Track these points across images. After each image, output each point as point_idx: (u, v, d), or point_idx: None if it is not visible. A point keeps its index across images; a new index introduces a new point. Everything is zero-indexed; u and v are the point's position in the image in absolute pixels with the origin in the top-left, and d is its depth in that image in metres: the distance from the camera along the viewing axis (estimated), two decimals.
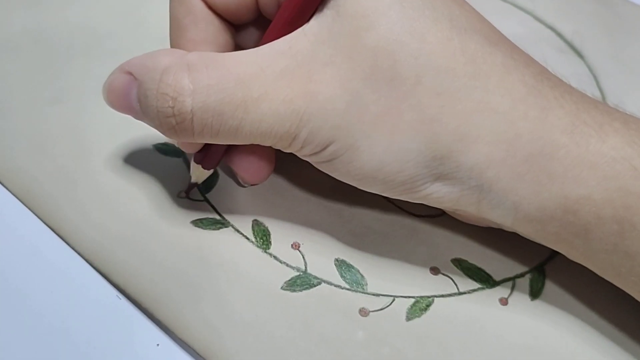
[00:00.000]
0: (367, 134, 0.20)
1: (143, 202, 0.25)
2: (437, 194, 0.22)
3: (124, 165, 0.26)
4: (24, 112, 0.28)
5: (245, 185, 0.26)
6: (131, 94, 0.21)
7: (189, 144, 0.23)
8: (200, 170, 0.24)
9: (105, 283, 0.23)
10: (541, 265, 0.25)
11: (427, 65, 0.20)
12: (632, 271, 0.21)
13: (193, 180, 0.25)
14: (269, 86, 0.20)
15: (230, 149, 0.24)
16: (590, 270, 0.24)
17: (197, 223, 0.25)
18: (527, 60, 0.22)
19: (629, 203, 0.20)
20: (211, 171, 0.24)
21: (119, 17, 0.32)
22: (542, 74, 0.22)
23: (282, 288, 0.23)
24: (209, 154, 0.24)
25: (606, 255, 0.21)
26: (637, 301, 0.23)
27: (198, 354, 0.22)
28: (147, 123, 0.22)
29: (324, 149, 0.21)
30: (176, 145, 0.24)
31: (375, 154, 0.21)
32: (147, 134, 0.27)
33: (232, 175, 0.26)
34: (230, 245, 0.24)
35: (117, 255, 0.24)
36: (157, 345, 0.22)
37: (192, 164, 0.24)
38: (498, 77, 0.20)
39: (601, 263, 0.22)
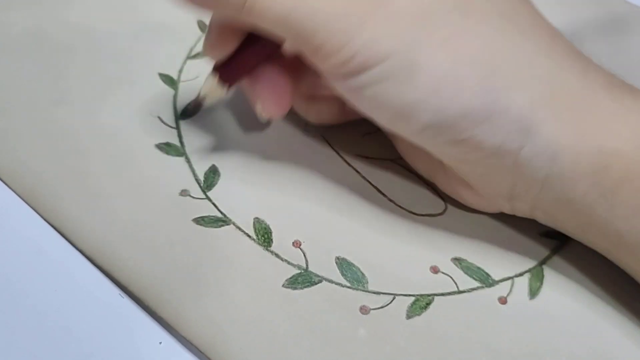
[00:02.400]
0: (432, 53, 0.20)
1: (145, 200, 0.25)
2: (481, 136, 0.21)
3: (126, 164, 0.26)
4: (27, 112, 0.28)
5: (263, 119, 0.24)
6: None
7: (216, 48, 0.22)
8: (214, 85, 0.23)
9: (108, 282, 0.23)
10: (540, 265, 0.25)
11: (494, 8, 0.21)
12: None
13: (202, 94, 0.23)
14: None
15: (252, 75, 0.23)
16: (588, 271, 0.25)
17: (199, 221, 0.25)
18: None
19: None
20: (222, 93, 0.23)
21: (121, 17, 0.32)
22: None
23: (283, 286, 0.23)
24: (231, 66, 0.22)
25: (630, 220, 0.21)
26: (634, 300, 0.24)
27: (200, 351, 0.22)
28: None
29: (379, 63, 0.20)
30: (202, 54, 0.23)
31: (434, 76, 0.20)
32: (149, 134, 0.27)
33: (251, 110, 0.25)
34: (232, 243, 0.24)
35: (119, 253, 0.24)
36: (160, 343, 0.22)
37: (208, 77, 0.23)
38: (550, 35, 0.22)
39: (622, 231, 0.21)
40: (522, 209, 0.24)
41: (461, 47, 0.21)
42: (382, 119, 0.22)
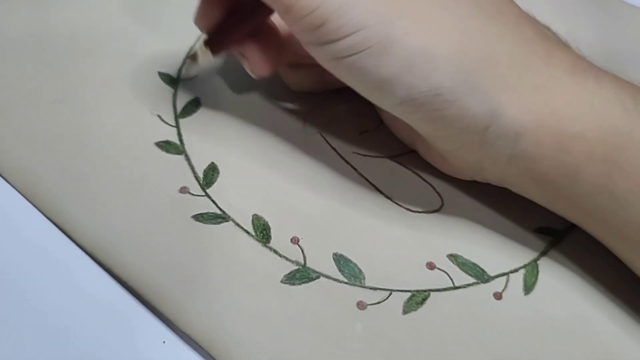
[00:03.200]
0: (405, 29, 0.21)
1: (145, 197, 0.25)
2: (451, 116, 0.22)
3: (126, 162, 0.27)
4: (28, 111, 0.28)
5: (256, 75, 0.26)
6: None
7: (204, 18, 0.25)
8: (207, 54, 0.26)
9: (111, 281, 0.24)
10: (535, 261, 0.25)
11: None
12: (616, 214, 0.22)
13: (199, 59, 0.26)
14: None
15: (241, 42, 0.25)
16: (583, 266, 0.25)
17: (198, 217, 0.25)
18: (537, 21, 0.24)
19: (618, 142, 0.21)
20: (212, 58, 0.26)
21: (122, 17, 0.32)
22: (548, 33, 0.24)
23: (281, 281, 0.24)
24: (218, 38, 0.25)
25: (592, 198, 0.22)
26: (629, 296, 0.24)
27: (200, 345, 0.22)
28: None
29: (350, 34, 0.20)
30: (194, 23, 0.26)
31: (408, 51, 0.21)
32: (149, 133, 0.27)
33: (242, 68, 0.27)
34: (231, 239, 0.25)
35: (120, 250, 0.24)
36: (164, 342, 0.23)
37: (201, 47, 0.26)
38: (515, 20, 0.23)
39: (586, 206, 0.23)
40: (492, 180, 0.25)
41: (434, 24, 0.21)
42: (361, 91, 0.23)
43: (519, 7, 0.24)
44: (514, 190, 0.25)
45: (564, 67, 0.22)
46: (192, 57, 0.27)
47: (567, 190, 0.22)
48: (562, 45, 0.23)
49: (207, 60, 0.26)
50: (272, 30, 0.26)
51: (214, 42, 0.26)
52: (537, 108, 0.22)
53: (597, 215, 0.23)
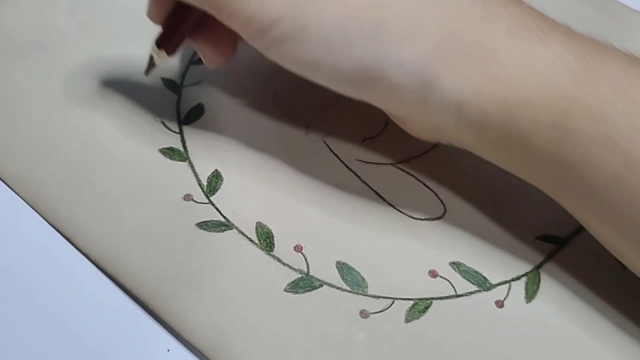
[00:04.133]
0: (318, 15, 0.21)
1: (149, 205, 0.26)
2: (382, 89, 0.22)
3: (130, 169, 0.27)
4: (32, 117, 0.28)
5: (210, 66, 0.27)
6: None
7: (158, 13, 0.25)
8: (162, 55, 0.26)
9: (115, 289, 0.24)
10: (537, 269, 0.25)
11: None
12: (569, 181, 0.21)
13: (156, 61, 0.26)
14: None
15: (194, 33, 0.26)
16: (585, 274, 0.25)
17: (202, 225, 0.25)
18: None
19: (566, 109, 0.20)
20: (167, 57, 0.26)
21: (126, 23, 0.32)
22: None
23: (285, 290, 0.24)
24: (171, 39, 0.26)
25: (544, 165, 0.21)
26: (631, 304, 0.24)
27: (204, 354, 0.22)
28: None
29: (272, 26, 0.21)
30: (147, 15, 0.26)
31: (325, 36, 0.21)
32: (153, 139, 0.28)
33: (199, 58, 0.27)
34: (235, 247, 0.25)
35: (124, 257, 0.24)
36: (168, 350, 0.23)
37: (153, 49, 0.26)
38: None
39: (540, 173, 0.22)
40: (455, 144, 0.24)
41: (350, 2, 0.21)
42: (297, 73, 0.23)
43: None
44: (477, 154, 0.24)
45: (504, 28, 0.21)
46: (149, 61, 0.27)
47: (522, 158, 0.22)
48: (511, 2, 0.22)
49: (164, 60, 0.26)
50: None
51: (165, 40, 0.26)
52: (475, 76, 0.21)
53: (554, 183, 0.22)
